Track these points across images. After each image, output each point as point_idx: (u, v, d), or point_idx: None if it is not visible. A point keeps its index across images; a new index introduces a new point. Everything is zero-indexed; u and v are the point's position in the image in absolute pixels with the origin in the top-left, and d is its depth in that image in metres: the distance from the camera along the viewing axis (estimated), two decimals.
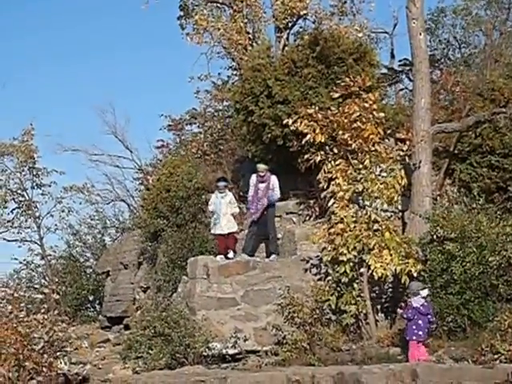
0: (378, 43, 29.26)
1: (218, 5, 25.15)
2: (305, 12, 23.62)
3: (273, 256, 17.47)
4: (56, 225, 31.19)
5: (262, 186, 17.78)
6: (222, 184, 18.12)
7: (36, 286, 28.89)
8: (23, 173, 30.50)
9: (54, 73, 53.99)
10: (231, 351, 15.98)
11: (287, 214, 18.72)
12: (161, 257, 20.53)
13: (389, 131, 17.40)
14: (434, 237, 15.91)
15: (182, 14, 25.16)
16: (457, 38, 29.32)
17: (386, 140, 17.36)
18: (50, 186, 30.70)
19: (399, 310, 15.42)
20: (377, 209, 16.39)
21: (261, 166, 17.86)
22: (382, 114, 16.37)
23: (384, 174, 16.39)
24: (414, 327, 14.70)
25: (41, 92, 53.75)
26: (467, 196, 18.11)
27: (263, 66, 18.85)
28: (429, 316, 14.81)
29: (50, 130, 45.75)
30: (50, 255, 30.64)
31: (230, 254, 17.50)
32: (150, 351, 15.74)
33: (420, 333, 14.67)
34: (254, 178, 17.93)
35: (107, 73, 54.30)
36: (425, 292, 15.05)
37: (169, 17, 40.98)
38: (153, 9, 37.03)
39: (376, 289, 16.58)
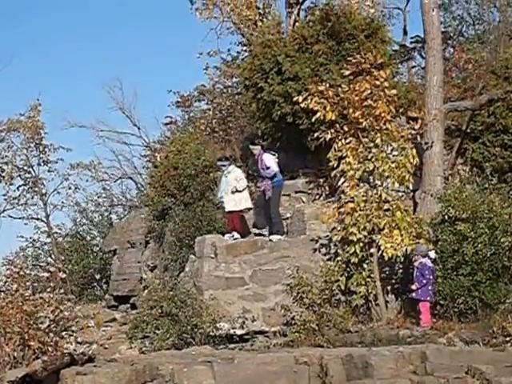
0: (390, 19, 29.04)
1: None
2: None
3: (278, 236, 17.20)
4: (62, 202, 31.13)
5: (258, 165, 17.81)
6: (219, 163, 18.76)
7: (42, 264, 28.81)
8: (30, 149, 30.32)
9: (61, 49, 53.80)
10: (239, 331, 15.95)
11: (296, 192, 18.58)
12: (168, 235, 20.40)
13: (400, 109, 17.37)
14: (446, 217, 15.84)
15: None
16: (471, 15, 28.95)
17: (398, 118, 17.24)
18: (56, 162, 30.56)
19: (413, 286, 15.29)
20: (388, 188, 16.31)
21: (250, 147, 18.20)
22: (393, 92, 16.27)
23: (395, 153, 16.26)
24: (430, 287, 15.01)
25: (48, 69, 53.49)
26: (479, 176, 18.01)
27: (273, 42, 18.72)
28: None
29: (58, 106, 45.60)
30: (57, 233, 30.61)
31: (235, 235, 17.35)
32: (157, 331, 15.68)
33: (432, 293, 14.96)
34: None
35: (115, 49, 54.08)
36: (432, 254, 15.27)
37: None
38: None
39: (386, 269, 16.47)
